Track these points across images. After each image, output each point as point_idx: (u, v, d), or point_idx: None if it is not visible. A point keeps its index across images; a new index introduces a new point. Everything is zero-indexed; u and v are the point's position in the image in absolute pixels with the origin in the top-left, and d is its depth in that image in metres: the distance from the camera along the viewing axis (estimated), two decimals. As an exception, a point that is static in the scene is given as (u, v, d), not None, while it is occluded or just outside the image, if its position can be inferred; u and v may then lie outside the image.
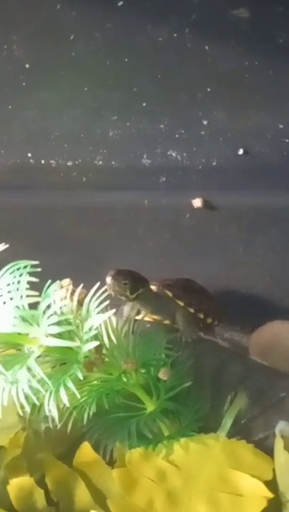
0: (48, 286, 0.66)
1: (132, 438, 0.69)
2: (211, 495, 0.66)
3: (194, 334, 0.80)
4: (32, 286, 0.64)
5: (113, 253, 0.94)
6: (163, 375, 0.71)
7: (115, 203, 0.93)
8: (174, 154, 0.88)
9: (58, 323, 0.64)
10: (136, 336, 0.74)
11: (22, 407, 0.64)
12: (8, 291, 0.65)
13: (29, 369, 0.63)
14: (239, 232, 0.91)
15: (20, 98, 0.88)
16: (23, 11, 0.84)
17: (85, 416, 0.68)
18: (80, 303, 0.69)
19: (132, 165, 0.90)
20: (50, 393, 0.64)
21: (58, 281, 0.66)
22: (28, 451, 0.72)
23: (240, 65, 0.82)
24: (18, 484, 0.70)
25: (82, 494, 0.69)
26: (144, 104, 0.86)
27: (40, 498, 0.69)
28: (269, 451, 0.69)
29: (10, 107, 0.89)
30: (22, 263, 0.65)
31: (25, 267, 0.65)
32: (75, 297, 0.69)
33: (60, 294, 0.66)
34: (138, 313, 0.81)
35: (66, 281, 0.76)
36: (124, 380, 0.71)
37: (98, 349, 0.68)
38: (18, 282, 0.65)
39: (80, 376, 0.64)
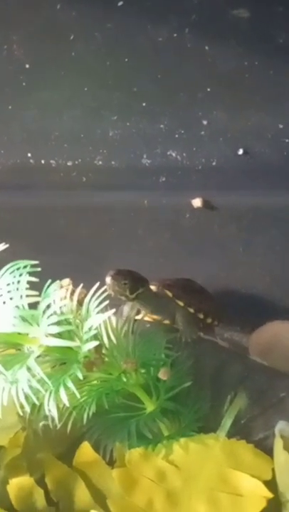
0: (48, 286, 0.66)
1: (132, 438, 0.69)
2: (211, 495, 0.66)
3: (194, 334, 0.80)
4: (32, 286, 0.64)
5: (113, 253, 0.94)
6: (163, 375, 0.71)
7: (115, 203, 0.93)
8: (173, 154, 0.88)
9: (58, 323, 0.64)
10: (136, 335, 0.74)
11: (22, 406, 0.64)
12: (8, 291, 0.65)
13: (29, 369, 0.63)
14: (239, 232, 0.91)
15: (20, 98, 0.88)
16: (23, 11, 0.84)
17: (85, 416, 0.68)
18: (80, 303, 0.69)
19: (132, 165, 0.90)
20: (50, 393, 0.64)
21: (57, 281, 0.66)
22: (27, 451, 0.72)
23: (240, 65, 0.82)
24: (17, 484, 0.70)
25: (82, 494, 0.69)
26: (144, 104, 0.86)
27: (40, 498, 0.69)
28: (269, 451, 0.69)
29: (10, 107, 0.89)
30: (22, 263, 0.65)
31: (25, 266, 0.65)
32: (75, 297, 0.69)
33: (59, 293, 0.66)
34: (138, 313, 0.81)
35: (66, 281, 0.76)
36: (124, 379, 0.71)
37: (98, 349, 0.68)
38: (18, 282, 0.65)
39: (80, 376, 0.64)
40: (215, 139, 0.87)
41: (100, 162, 0.90)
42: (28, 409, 0.65)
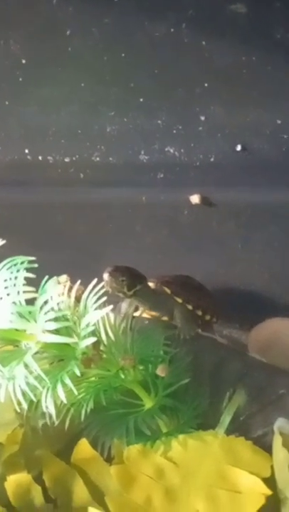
0: (45, 283, 0.65)
1: (130, 435, 0.69)
2: (210, 492, 0.66)
3: (192, 331, 0.80)
4: (29, 282, 0.64)
5: (111, 249, 0.94)
6: (161, 371, 0.71)
7: (113, 200, 0.93)
8: (171, 150, 0.88)
9: (56, 319, 0.64)
10: (134, 332, 0.74)
11: (19, 403, 0.64)
12: (5, 287, 0.65)
13: (26, 365, 0.63)
14: (237, 228, 0.91)
15: (17, 94, 0.88)
16: (20, 7, 0.84)
17: (83, 412, 0.68)
18: (78, 299, 0.69)
19: (130, 161, 0.89)
20: (48, 390, 0.64)
21: (55, 278, 0.66)
22: (25, 447, 0.72)
23: (237, 61, 0.82)
24: (15, 481, 0.69)
25: (80, 491, 0.69)
26: (141, 100, 0.86)
27: (37, 494, 0.69)
28: (267, 448, 0.69)
29: (7, 102, 0.89)
30: (19, 259, 0.65)
31: (22, 262, 0.65)
32: (73, 293, 0.69)
33: (57, 290, 0.66)
34: (136, 309, 0.81)
35: (63, 278, 0.76)
36: (122, 376, 0.71)
37: (96, 345, 0.68)
38: (15, 278, 0.65)
39: (78, 372, 0.64)
40: (213, 135, 0.86)
41: (98, 158, 0.90)
42: (25, 406, 0.65)
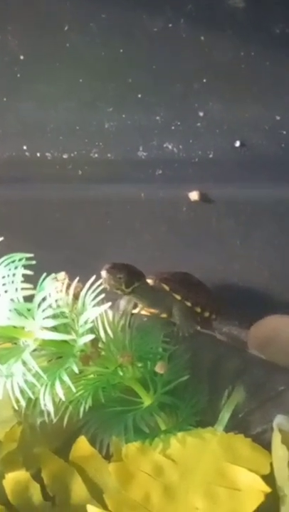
0: (43, 280, 0.65)
1: (129, 432, 0.69)
2: (208, 489, 0.66)
3: (191, 328, 0.79)
4: (27, 279, 0.64)
5: (109, 246, 0.94)
6: (160, 368, 0.71)
7: (111, 196, 0.93)
8: (170, 146, 0.88)
9: (54, 317, 0.64)
10: (132, 329, 0.74)
11: (17, 401, 0.64)
12: (3, 284, 0.65)
13: (24, 363, 0.63)
14: (236, 225, 0.91)
15: (15, 90, 0.88)
16: (18, 2, 0.84)
17: (81, 410, 0.68)
18: (76, 296, 0.68)
19: (128, 157, 0.89)
20: (46, 387, 0.64)
21: (53, 275, 0.66)
22: (23, 445, 0.72)
23: (236, 56, 0.82)
24: (14, 478, 0.69)
25: (78, 488, 0.69)
26: (139, 96, 0.86)
27: (36, 492, 0.69)
28: (267, 445, 0.69)
29: (5, 99, 0.89)
30: (17, 256, 0.65)
31: (20, 259, 0.65)
32: (71, 291, 0.69)
33: (55, 287, 0.66)
34: (135, 306, 0.81)
35: (62, 275, 0.76)
36: (121, 373, 0.71)
37: (94, 343, 0.68)
38: (13, 275, 0.64)
39: (76, 370, 0.64)
40: (211, 131, 0.86)
41: (96, 155, 0.90)
42: (23, 403, 0.65)
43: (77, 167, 0.91)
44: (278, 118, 0.85)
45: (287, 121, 0.85)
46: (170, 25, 0.81)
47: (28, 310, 0.65)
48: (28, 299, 0.65)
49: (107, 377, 0.70)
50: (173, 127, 0.87)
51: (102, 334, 0.71)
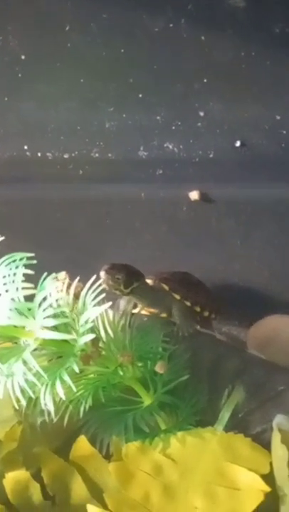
0: (44, 279, 0.65)
1: (129, 432, 0.69)
2: (208, 488, 0.66)
3: (191, 328, 0.79)
4: (28, 279, 0.64)
5: (110, 246, 0.94)
6: (160, 368, 0.71)
7: (112, 196, 0.93)
8: (170, 146, 0.88)
9: (54, 316, 0.64)
10: (133, 329, 0.74)
11: (18, 400, 0.64)
12: (4, 284, 0.65)
13: (25, 362, 0.63)
14: (237, 225, 0.91)
15: (16, 90, 0.88)
16: (19, 2, 0.84)
17: (82, 409, 0.68)
18: (77, 296, 0.68)
19: (129, 157, 0.89)
20: (46, 387, 0.64)
21: (53, 274, 0.66)
22: (24, 444, 0.72)
23: (236, 56, 0.82)
24: (14, 478, 0.69)
25: (78, 488, 0.69)
26: (140, 96, 0.86)
27: (36, 491, 0.69)
28: (266, 445, 0.69)
29: (6, 98, 0.89)
30: (18, 255, 0.65)
31: (21, 259, 0.65)
32: (71, 290, 0.69)
33: (56, 286, 0.66)
34: (135, 306, 0.81)
35: (62, 275, 0.76)
36: (121, 373, 0.71)
37: (94, 342, 0.68)
38: (14, 275, 0.64)
39: (76, 369, 0.64)
40: (212, 131, 0.86)
41: (97, 154, 0.90)
42: (24, 403, 0.65)
43: (78, 167, 0.91)
44: (278, 118, 0.85)
45: (287, 121, 0.85)
46: (171, 25, 0.81)
47: (29, 309, 0.65)
48: (29, 298, 0.65)
49: (107, 377, 0.70)
50: (173, 127, 0.87)
51: (102, 334, 0.71)
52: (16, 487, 0.69)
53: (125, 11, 0.82)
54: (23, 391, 0.63)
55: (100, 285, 0.67)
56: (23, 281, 0.64)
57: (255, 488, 0.65)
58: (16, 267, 0.65)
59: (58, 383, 0.63)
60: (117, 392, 0.71)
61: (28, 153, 0.91)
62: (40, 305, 0.64)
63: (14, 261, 0.65)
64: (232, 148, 0.87)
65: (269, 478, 0.66)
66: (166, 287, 0.80)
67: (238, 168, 0.88)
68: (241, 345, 0.88)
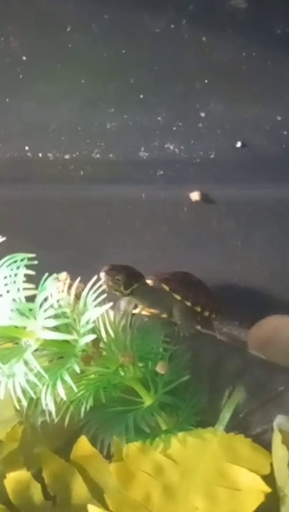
0: (45, 280, 0.65)
1: (130, 432, 0.69)
2: (209, 489, 0.66)
3: (192, 328, 0.79)
4: (29, 279, 0.64)
5: (110, 246, 0.94)
6: (161, 368, 0.71)
7: (113, 197, 0.93)
8: (171, 147, 0.88)
9: (55, 317, 0.64)
10: (133, 329, 0.74)
11: (19, 400, 0.64)
12: (5, 284, 0.65)
13: (26, 362, 0.63)
14: (237, 225, 0.91)
15: (17, 90, 0.88)
16: (20, 2, 0.84)
17: (82, 410, 0.68)
18: (78, 297, 0.68)
19: (130, 158, 0.89)
20: (48, 387, 0.64)
21: (54, 275, 0.66)
22: (25, 445, 0.72)
23: (237, 56, 0.82)
24: (15, 478, 0.69)
25: (79, 488, 0.69)
26: (141, 96, 0.86)
27: (37, 492, 0.69)
28: (267, 446, 0.69)
29: (7, 99, 0.89)
30: (19, 256, 0.65)
31: (22, 259, 0.65)
32: (72, 291, 0.69)
33: (57, 287, 0.66)
34: (135, 307, 0.81)
35: (63, 275, 0.76)
36: (122, 373, 0.71)
37: (95, 343, 0.68)
38: (15, 275, 0.64)
39: (78, 370, 0.64)
40: (213, 132, 0.86)
41: (98, 155, 0.90)
42: (25, 403, 0.65)
43: (79, 167, 0.91)
44: (279, 118, 0.85)
45: (288, 121, 0.85)
46: (172, 25, 0.81)
47: (30, 310, 0.65)
48: (30, 299, 0.65)
49: (108, 377, 0.70)
50: (174, 128, 0.87)
51: (103, 334, 0.71)
52: (17, 487, 0.69)
53: (126, 11, 0.82)
54: (24, 391, 0.63)
55: (100, 286, 0.67)
56: (24, 281, 0.64)
57: (255, 489, 0.65)
58: (17, 268, 0.65)
59: (59, 384, 0.63)
60: (117, 393, 0.71)
61: (29, 154, 0.91)
62: (41, 305, 0.64)
63: (15, 261, 0.65)
64: (233, 149, 0.87)
65: (269, 478, 0.66)
66: (166, 288, 0.80)
67: (238, 169, 0.88)
68: (242, 346, 0.88)
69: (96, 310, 0.66)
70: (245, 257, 0.92)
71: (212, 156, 0.88)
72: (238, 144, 0.87)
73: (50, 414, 0.66)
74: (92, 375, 0.70)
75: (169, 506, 0.66)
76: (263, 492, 0.65)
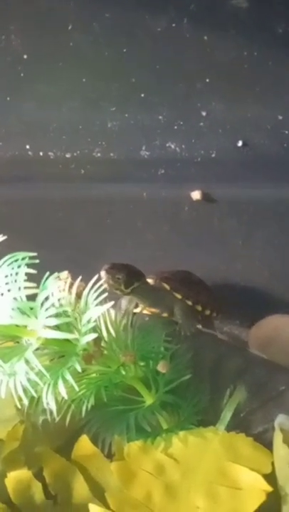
0: (46, 279, 0.65)
1: (131, 431, 0.69)
2: (210, 488, 0.66)
3: (193, 327, 0.79)
4: (30, 278, 0.64)
5: (111, 245, 0.94)
6: (162, 368, 0.71)
7: (114, 196, 0.93)
8: (172, 146, 0.88)
9: (56, 316, 0.64)
10: (134, 328, 0.74)
11: (20, 399, 0.64)
12: (6, 283, 0.65)
13: (27, 361, 0.63)
14: (239, 224, 0.91)
15: (18, 89, 0.88)
16: (21, 1, 0.84)
17: (84, 409, 0.68)
18: (79, 295, 0.68)
19: (131, 157, 0.89)
20: (49, 386, 0.64)
21: (56, 274, 0.66)
22: (26, 444, 0.72)
23: (239, 56, 0.82)
24: (16, 477, 0.69)
25: (80, 487, 0.69)
26: (142, 95, 0.86)
27: (38, 491, 0.69)
28: (268, 445, 0.69)
29: (8, 98, 0.89)
30: (20, 255, 0.65)
31: (23, 258, 0.65)
32: (74, 290, 0.69)
33: (58, 286, 0.66)
34: (136, 306, 0.81)
35: (64, 274, 0.76)
36: (123, 372, 0.71)
37: (97, 342, 0.68)
38: (16, 274, 0.64)
39: (79, 369, 0.64)
40: (214, 131, 0.86)
41: (99, 154, 0.90)
42: (26, 402, 0.65)
43: (80, 166, 0.91)
44: (280, 118, 0.85)
45: (289, 120, 0.85)
46: (173, 25, 0.81)
47: (31, 309, 0.65)
48: (31, 297, 0.65)
49: (109, 376, 0.70)
50: (176, 127, 0.87)
51: (104, 333, 0.71)
52: (18, 486, 0.69)
53: (127, 10, 0.82)
54: (25, 390, 0.63)
55: (101, 285, 0.67)
56: (25, 280, 0.64)
57: (257, 488, 0.65)
58: (18, 267, 0.65)
59: (60, 382, 0.63)
60: (119, 392, 0.71)
61: (30, 153, 0.91)
62: (42, 304, 0.64)
63: (16, 260, 0.65)
64: (234, 148, 0.87)
65: (271, 477, 0.66)
66: (167, 286, 0.80)
67: (240, 168, 0.88)
68: (243, 345, 0.88)
69: (97, 309, 0.66)
70: (246, 257, 0.92)
71: (213, 155, 0.88)
72: (239, 143, 0.87)
73: (51, 413, 0.66)
74: (94, 374, 0.70)
75: (170, 505, 0.66)
76: (264, 491, 0.65)
